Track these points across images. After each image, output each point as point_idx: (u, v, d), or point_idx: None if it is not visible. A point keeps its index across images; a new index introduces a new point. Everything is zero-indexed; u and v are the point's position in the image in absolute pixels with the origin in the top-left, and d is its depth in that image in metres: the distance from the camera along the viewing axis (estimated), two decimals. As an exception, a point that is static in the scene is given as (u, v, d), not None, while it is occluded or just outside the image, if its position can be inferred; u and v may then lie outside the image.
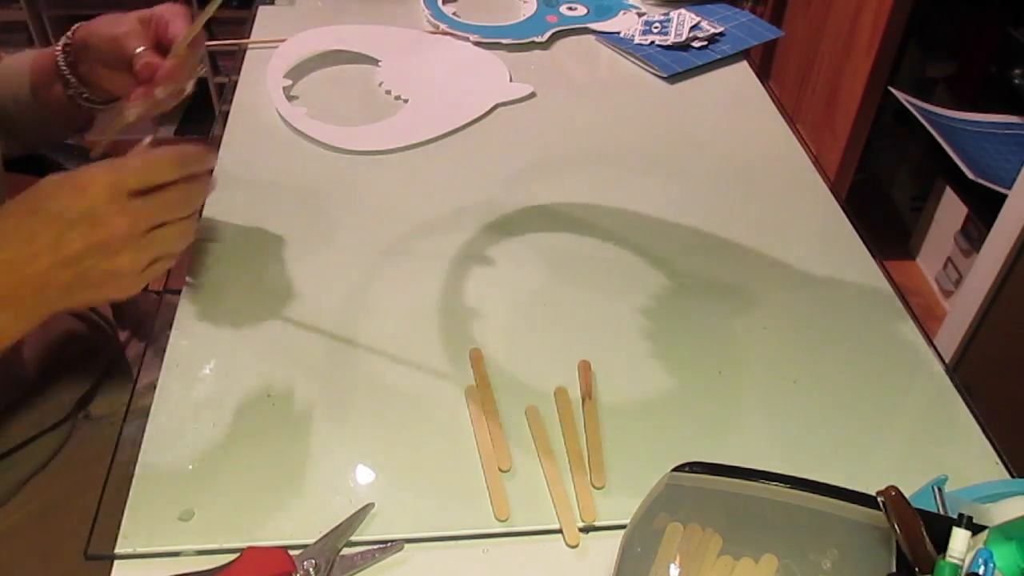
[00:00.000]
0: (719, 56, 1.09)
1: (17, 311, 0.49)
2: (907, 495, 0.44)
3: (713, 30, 1.11)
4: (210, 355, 0.65)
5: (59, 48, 0.70)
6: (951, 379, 0.67)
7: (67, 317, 0.74)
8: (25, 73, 0.73)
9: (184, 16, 0.65)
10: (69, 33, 0.70)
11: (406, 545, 0.53)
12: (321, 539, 0.52)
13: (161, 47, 0.65)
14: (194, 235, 0.54)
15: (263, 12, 1.16)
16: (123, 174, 0.49)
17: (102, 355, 0.78)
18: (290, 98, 0.96)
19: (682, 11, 1.12)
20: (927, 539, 0.43)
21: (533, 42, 1.10)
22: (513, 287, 0.73)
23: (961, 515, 0.42)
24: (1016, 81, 1.39)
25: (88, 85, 0.71)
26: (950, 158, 1.17)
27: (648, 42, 1.09)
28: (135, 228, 0.49)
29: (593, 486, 0.57)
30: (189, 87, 0.67)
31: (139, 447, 0.58)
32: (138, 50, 0.63)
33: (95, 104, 0.73)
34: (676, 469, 0.48)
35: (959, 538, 0.42)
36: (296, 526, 0.54)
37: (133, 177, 0.49)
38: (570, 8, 1.17)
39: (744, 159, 0.91)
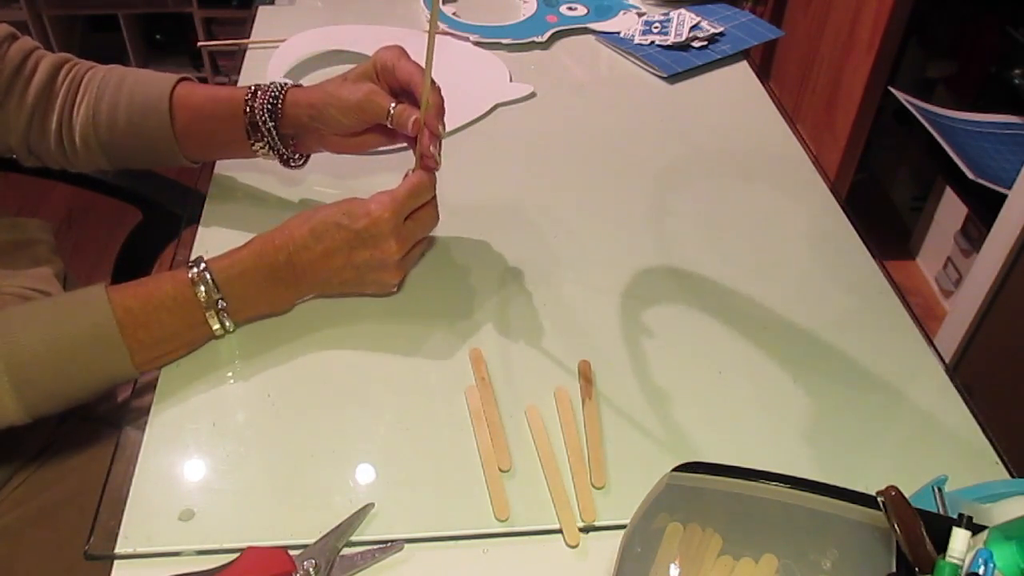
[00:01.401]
0: (719, 56, 1.09)
1: (302, 290, 0.67)
2: (907, 495, 0.44)
3: (713, 30, 1.11)
4: (210, 355, 0.65)
5: (260, 111, 0.71)
6: (951, 379, 0.67)
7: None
8: (163, 101, 0.72)
9: (402, 54, 0.69)
10: (270, 97, 0.71)
11: (406, 545, 0.53)
12: (321, 539, 0.52)
13: (394, 92, 0.70)
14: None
15: (263, 12, 1.16)
16: (401, 206, 0.64)
17: None
18: (290, 98, 0.96)
19: (682, 11, 1.12)
20: (927, 539, 0.43)
21: (533, 42, 1.10)
22: (513, 286, 0.73)
23: (961, 515, 0.42)
24: (1016, 81, 1.39)
25: (296, 147, 0.75)
26: (950, 158, 1.17)
27: (648, 42, 1.09)
28: (403, 249, 0.65)
29: (593, 486, 0.57)
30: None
31: (139, 447, 0.58)
32: (392, 106, 0.68)
33: (296, 163, 0.76)
34: (676, 469, 0.48)
35: (959, 538, 0.42)
36: (296, 526, 0.54)
37: (407, 206, 0.65)
38: (570, 8, 1.17)
39: (744, 159, 0.91)
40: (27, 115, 0.72)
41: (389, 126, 0.69)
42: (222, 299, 0.62)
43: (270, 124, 0.71)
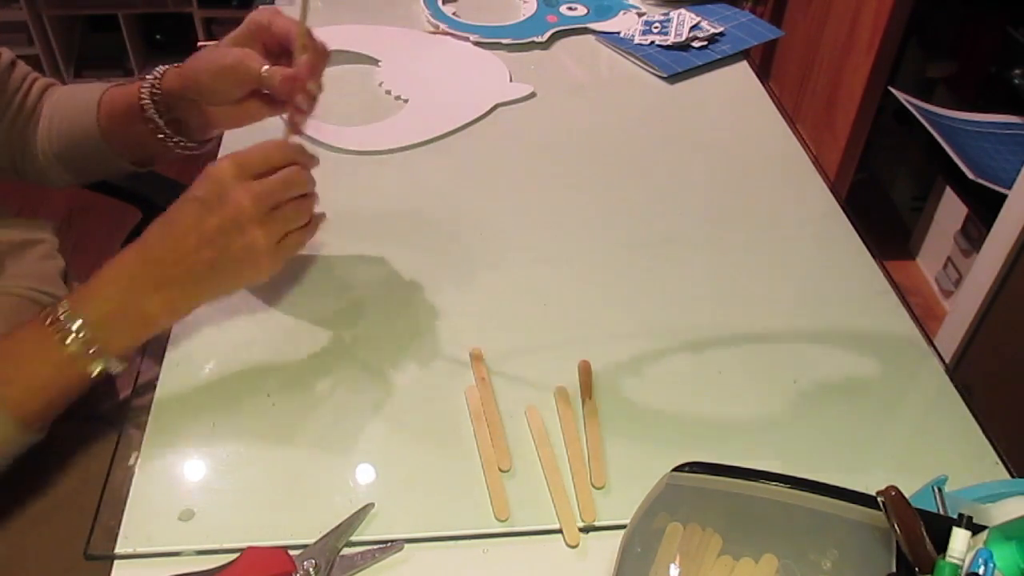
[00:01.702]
0: (719, 56, 1.09)
1: (172, 292, 0.57)
2: (907, 495, 0.44)
3: (713, 30, 1.11)
4: (210, 355, 0.65)
5: (145, 97, 0.70)
6: (951, 379, 0.67)
7: (35, 308, 0.74)
8: (92, 108, 0.73)
9: (277, 12, 0.66)
10: (154, 80, 0.69)
11: (406, 545, 0.53)
12: (321, 539, 0.52)
13: (272, 54, 0.66)
14: (313, 212, 0.62)
15: (263, 12, 1.16)
16: (243, 159, 0.57)
17: None
18: (290, 98, 0.96)
19: (682, 11, 1.12)
20: (927, 539, 0.43)
21: (533, 42, 1.10)
22: (513, 287, 0.73)
23: (961, 515, 0.42)
24: (1016, 81, 1.39)
25: (188, 131, 0.72)
26: (950, 158, 1.17)
27: (648, 42, 1.09)
28: (259, 204, 0.57)
29: (593, 486, 0.57)
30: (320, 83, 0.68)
31: (139, 447, 0.58)
32: (264, 69, 0.64)
33: (191, 148, 0.74)
34: (676, 469, 0.48)
35: (959, 538, 0.42)
36: (296, 526, 0.54)
37: (252, 160, 0.57)
38: (570, 8, 1.17)
39: (744, 159, 0.91)
40: (16, 135, 0.75)
41: (264, 90, 0.66)
42: (86, 334, 0.54)
43: (155, 114, 0.70)
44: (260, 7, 0.67)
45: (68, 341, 0.54)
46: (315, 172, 0.84)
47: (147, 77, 0.70)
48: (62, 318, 0.55)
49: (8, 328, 0.70)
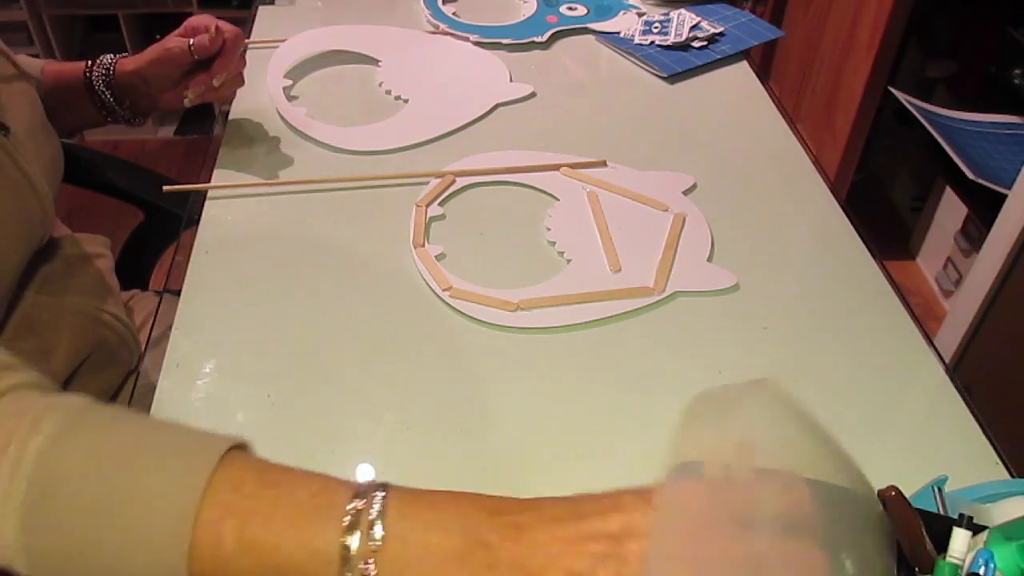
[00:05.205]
0: (719, 56, 1.09)
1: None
2: (907, 495, 0.44)
3: (713, 30, 1.11)
4: (210, 355, 0.65)
5: (98, 81, 0.81)
6: (951, 379, 0.67)
7: (100, 328, 0.75)
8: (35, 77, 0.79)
9: (211, 19, 0.83)
10: (106, 69, 0.81)
11: (406, 545, 0.53)
12: (321, 539, 0.52)
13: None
14: None
15: (263, 12, 1.16)
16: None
17: (124, 364, 0.78)
18: (290, 98, 0.97)
19: (682, 11, 1.13)
20: (927, 539, 0.43)
21: (533, 42, 1.10)
22: (511, 283, 0.73)
23: (961, 515, 0.42)
24: (1016, 81, 1.39)
25: (134, 111, 0.84)
26: (950, 158, 1.17)
27: (648, 42, 1.09)
28: None
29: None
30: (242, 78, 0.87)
31: (139, 447, 0.58)
32: (191, 42, 0.81)
33: (133, 123, 0.86)
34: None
35: (959, 538, 0.42)
36: (296, 526, 0.54)
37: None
38: (570, 8, 1.17)
39: (744, 159, 0.91)
40: None
41: (196, 57, 0.82)
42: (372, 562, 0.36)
43: (107, 93, 0.81)
44: (192, 16, 0.83)
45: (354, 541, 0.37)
46: (314, 173, 0.85)
47: (96, 62, 0.81)
48: (374, 514, 0.37)
49: (74, 347, 0.72)
